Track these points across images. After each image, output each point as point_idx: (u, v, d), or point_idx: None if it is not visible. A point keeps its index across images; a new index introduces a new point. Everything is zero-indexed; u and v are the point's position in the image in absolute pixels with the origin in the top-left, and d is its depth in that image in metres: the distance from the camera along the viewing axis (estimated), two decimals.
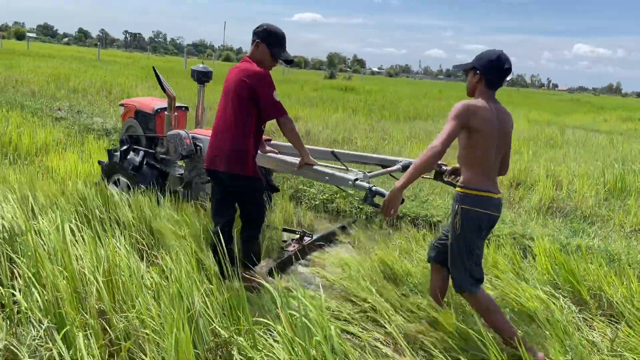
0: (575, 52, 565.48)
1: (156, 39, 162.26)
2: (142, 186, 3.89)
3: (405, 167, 3.36)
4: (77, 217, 3.31)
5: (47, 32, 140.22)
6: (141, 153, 4.01)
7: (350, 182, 2.91)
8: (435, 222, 4.81)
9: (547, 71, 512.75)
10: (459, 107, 2.45)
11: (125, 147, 4.11)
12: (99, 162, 4.45)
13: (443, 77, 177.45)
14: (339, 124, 10.21)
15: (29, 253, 2.57)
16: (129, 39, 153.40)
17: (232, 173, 3.01)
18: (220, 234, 2.93)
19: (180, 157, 3.84)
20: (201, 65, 4.18)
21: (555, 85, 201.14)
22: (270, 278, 2.95)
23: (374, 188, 2.70)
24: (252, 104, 2.94)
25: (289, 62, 3.27)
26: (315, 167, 3.11)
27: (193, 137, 3.88)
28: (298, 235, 4.10)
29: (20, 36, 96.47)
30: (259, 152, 3.20)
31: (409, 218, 4.92)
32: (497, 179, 2.65)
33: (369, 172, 3.16)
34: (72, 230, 2.83)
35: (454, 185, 2.82)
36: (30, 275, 2.39)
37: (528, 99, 33.94)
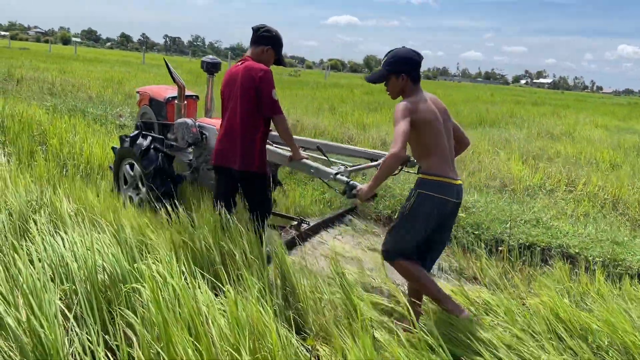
0: (620, 53, 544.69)
1: (195, 43, 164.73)
2: (150, 169, 3.95)
3: None
4: (186, 258, 2.72)
5: (90, 37, 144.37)
6: (149, 138, 4.07)
7: (331, 175, 3.04)
8: (574, 254, 4.06)
9: (589, 73, 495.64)
10: (402, 108, 2.57)
11: (134, 133, 4.15)
12: (113, 148, 4.53)
13: (482, 79, 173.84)
14: None
15: (147, 313, 2.00)
16: (168, 42, 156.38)
17: (243, 170, 3.16)
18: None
19: (187, 144, 4.03)
20: (210, 57, 4.37)
21: (600, 88, 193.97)
22: None
23: (351, 182, 2.85)
24: (258, 101, 3.10)
25: (284, 65, 3.44)
26: (303, 160, 3.25)
27: (199, 126, 4.05)
28: (296, 222, 4.26)
29: (66, 41, 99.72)
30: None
31: (538, 248, 4.18)
32: (455, 165, 2.72)
33: (352, 166, 3.28)
34: (189, 279, 2.26)
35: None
36: (153, 343, 1.82)
37: (581, 103, 32.30)
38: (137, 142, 4.08)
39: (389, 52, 2.81)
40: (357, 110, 12.90)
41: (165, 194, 3.90)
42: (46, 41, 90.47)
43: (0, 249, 2.84)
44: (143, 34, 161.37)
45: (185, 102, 4.33)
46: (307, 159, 3.28)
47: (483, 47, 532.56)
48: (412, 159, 3.16)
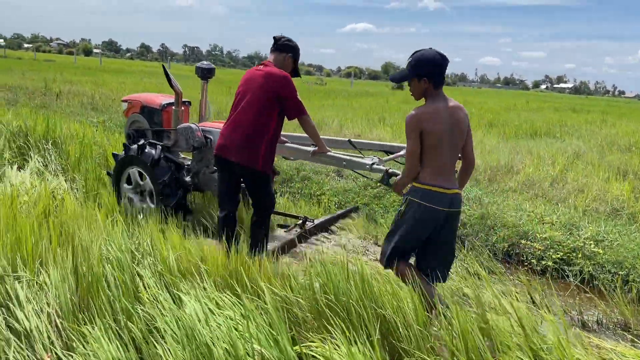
0: None
1: (213, 52, 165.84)
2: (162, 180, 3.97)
3: None
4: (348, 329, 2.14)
5: (111, 48, 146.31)
6: (158, 148, 4.10)
7: (367, 166, 3.23)
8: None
9: (609, 77, 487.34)
10: (412, 122, 2.61)
11: (142, 142, 4.14)
12: (114, 154, 4.51)
13: (501, 85, 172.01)
14: (476, 146, 8.82)
15: None
16: (187, 52, 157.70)
17: (243, 164, 3.24)
18: (226, 220, 3.38)
19: (192, 148, 4.07)
20: (205, 63, 4.44)
21: (622, 92, 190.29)
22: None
23: (390, 170, 2.99)
24: (276, 104, 3.22)
25: (298, 75, 3.50)
26: (332, 154, 3.46)
27: (203, 130, 4.10)
28: (300, 221, 4.31)
29: (87, 52, 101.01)
30: (278, 143, 3.44)
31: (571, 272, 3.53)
32: (454, 175, 2.73)
33: (384, 158, 3.50)
34: None
35: None
36: None
37: (616, 108, 31.15)
38: (146, 151, 4.09)
39: (415, 52, 2.74)
40: (402, 120, 12.27)
41: (177, 204, 4.00)
42: (69, 53, 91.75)
43: (114, 313, 2.32)
44: (162, 44, 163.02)
45: (182, 108, 4.36)
46: (331, 151, 3.49)
47: (500, 52, 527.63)
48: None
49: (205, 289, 2.61)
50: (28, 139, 6.01)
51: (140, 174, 4.17)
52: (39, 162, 5.53)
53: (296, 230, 4.20)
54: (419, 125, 2.59)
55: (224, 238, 3.29)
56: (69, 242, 2.95)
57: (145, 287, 2.56)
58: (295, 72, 3.47)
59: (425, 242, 2.76)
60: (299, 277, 2.81)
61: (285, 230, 4.27)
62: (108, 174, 4.59)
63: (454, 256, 2.92)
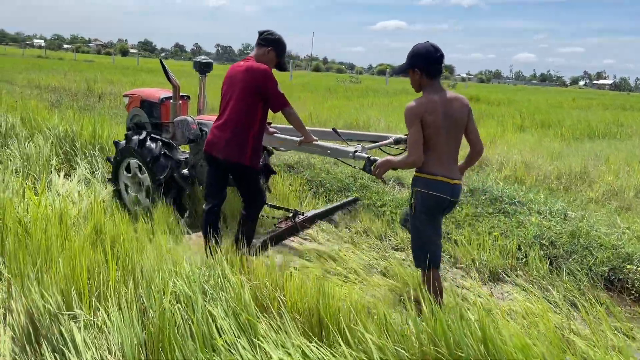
0: None
1: (245, 51, 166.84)
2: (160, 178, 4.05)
3: (396, 142, 3.67)
4: None
5: (146, 48, 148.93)
6: (159, 143, 4.15)
7: (350, 154, 3.28)
8: None
9: None
10: (410, 113, 2.67)
11: (144, 135, 4.18)
12: (115, 142, 4.54)
13: (537, 82, 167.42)
14: (535, 149, 8.20)
15: None
16: (220, 51, 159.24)
17: (231, 160, 3.27)
18: (209, 213, 3.40)
19: (187, 141, 4.16)
20: (202, 57, 4.52)
21: None
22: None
23: (371, 158, 3.07)
24: (258, 98, 3.26)
25: (285, 70, 3.60)
26: (317, 143, 3.49)
27: (199, 123, 4.23)
28: (291, 214, 4.33)
29: (124, 52, 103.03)
30: (265, 134, 3.52)
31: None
32: (456, 166, 2.80)
33: (366, 146, 3.45)
34: None
35: None
36: None
37: None
38: (133, 138, 4.17)
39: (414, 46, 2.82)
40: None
41: (169, 180, 4.06)
42: (107, 53, 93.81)
43: None
44: (196, 43, 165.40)
45: (180, 102, 4.41)
46: (317, 141, 3.51)
47: (536, 48, 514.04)
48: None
49: (287, 332, 2.21)
50: (75, 144, 5.77)
51: (140, 167, 4.28)
52: (86, 169, 5.27)
53: (286, 224, 4.22)
54: (418, 116, 2.65)
55: (208, 232, 3.36)
56: (128, 270, 2.59)
57: (219, 331, 2.17)
58: (280, 66, 3.49)
59: None
60: (394, 317, 2.38)
61: (276, 224, 4.28)
62: (108, 159, 4.75)
63: None
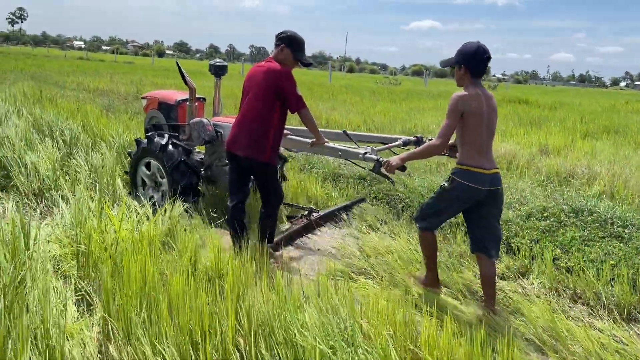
0: None
1: None
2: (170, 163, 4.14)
3: (405, 143, 3.86)
4: None
5: (182, 49, 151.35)
6: (166, 136, 4.27)
7: (360, 155, 3.40)
8: None
9: None
10: (455, 101, 2.84)
11: (166, 140, 4.24)
12: (136, 140, 4.58)
13: (575, 82, 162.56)
14: (616, 159, 7.56)
15: None
16: (254, 52, 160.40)
17: (251, 158, 3.39)
18: (234, 209, 3.52)
19: (203, 142, 4.24)
20: (218, 60, 4.59)
21: None
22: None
23: (381, 159, 3.18)
24: (277, 98, 3.36)
25: (308, 64, 3.59)
26: (329, 144, 3.64)
27: (214, 124, 4.30)
28: (306, 212, 4.34)
29: (161, 53, 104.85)
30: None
31: None
32: (492, 155, 2.97)
33: (375, 147, 3.60)
34: None
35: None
36: None
37: None
38: (155, 140, 4.26)
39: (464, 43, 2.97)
40: (503, 125, 11.05)
41: (187, 187, 4.12)
42: (144, 54, 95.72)
43: None
44: (230, 44, 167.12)
45: (196, 104, 4.45)
46: (328, 143, 3.63)
47: (574, 48, 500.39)
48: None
49: None
50: None
51: (159, 169, 4.37)
52: None
53: (302, 221, 4.26)
54: (462, 106, 2.82)
55: (235, 227, 3.47)
56: (245, 317, 2.24)
57: None
58: (301, 62, 3.51)
59: (472, 220, 3.08)
60: None
61: (292, 221, 4.35)
62: (129, 154, 4.77)
63: (501, 232, 3.17)
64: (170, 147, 4.19)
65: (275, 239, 3.72)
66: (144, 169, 4.47)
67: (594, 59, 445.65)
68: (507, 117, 13.37)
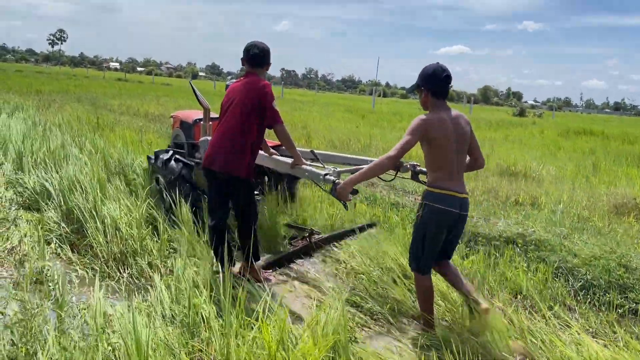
0: None
1: (309, 75, 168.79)
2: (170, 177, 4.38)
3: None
4: None
5: (214, 71, 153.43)
6: (170, 152, 4.57)
7: (321, 176, 3.23)
8: None
9: None
10: (416, 123, 2.78)
11: (169, 155, 4.52)
12: (148, 157, 4.96)
13: (610, 110, 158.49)
14: None
15: None
16: (284, 75, 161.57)
17: (229, 174, 3.34)
18: (215, 229, 3.43)
19: None
20: (233, 81, 4.33)
21: None
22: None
23: (337, 181, 3.03)
24: (255, 113, 3.31)
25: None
26: (303, 166, 3.49)
27: None
28: (307, 233, 4.21)
29: (194, 75, 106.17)
30: (262, 153, 3.73)
31: None
32: (463, 180, 2.91)
33: (342, 169, 3.48)
34: None
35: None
36: None
37: None
38: (160, 156, 4.53)
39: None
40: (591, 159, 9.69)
41: (186, 200, 4.09)
42: (177, 76, 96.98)
43: None
44: None
45: (210, 123, 4.40)
46: (306, 164, 3.56)
47: (606, 75, 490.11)
48: (406, 164, 3.59)
49: None
50: None
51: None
52: None
53: (300, 243, 4.15)
54: (424, 131, 2.76)
55: (217, 249, 3.36)
56: None
57: None
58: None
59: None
60: None
61: (292, 242, 4.25)
62: (149, 158, 4.92)
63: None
64: (172, 162, 4.40)
65: (267, 260, 3.72)
66: (154, 184, 4.62)
67: (626, 87, 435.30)
68: (591, 153, 12.03)
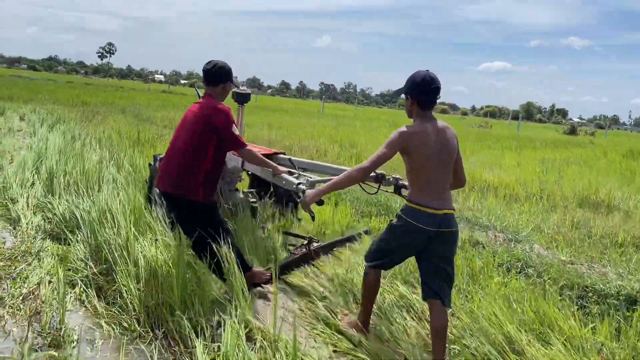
0: None
1: (347, 90, 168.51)
2: None
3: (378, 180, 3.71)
4: None
5: (254, 85, 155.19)
6: None
7: (294, 185, 3.31)
8: None
9: None
10: (394, 136, 2.62)
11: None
12: (149, 164, 4.99)
13: None
14: None
15: None
16: (323, 89, 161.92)
17: (179, 196, 3.22)
18: (196, 245, 3.26)
19: None
20: (241, 88, 4.63)
21: None
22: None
23: (308, 191, 2.97)
24: (211, 134, 3.20)
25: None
26: (281, 175, 3.57)
27: None
28: (306, 241, 4.12)
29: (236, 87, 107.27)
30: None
31: None
32: (446, 195, 2.69)
33: (317, 178, 3.51)
34: None
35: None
36: None
37: None
38: (158, 159, 4.46)
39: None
40: None
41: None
42: None
43: None
44: (301, 81, 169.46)
45: None
46: (284, 173, 3.59)
47: None
48: (389, 177, 3.53)
49: None
50: None
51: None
52: None
53: (300, 251, 4.03)
54: (404, 142, 2.61)
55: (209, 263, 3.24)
56: None
57: None
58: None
59: (422, 262, 2.77)
60: None
61: (292, 250, 4.15)
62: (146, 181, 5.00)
63: (454, 278, 2.80)
64: None
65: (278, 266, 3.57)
66: (155, 189, 4.38)
67: None
68: None
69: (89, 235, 3.81)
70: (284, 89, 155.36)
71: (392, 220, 2.80)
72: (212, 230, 3.19)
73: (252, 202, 4.84)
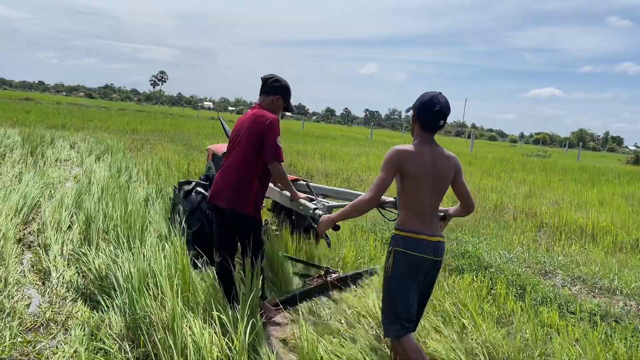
0: None
1: (392, 116, 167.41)
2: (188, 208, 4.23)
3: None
4: None
5: (300, 111, 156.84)
6: (192, 184, 4.45)
7: (311, 210, 3.28)
8: None
9: None
10: (388, 156, 2.50)
11: (192, 186, 4.39)
12: (174, 187, 4.82)
13: None
14: None
15: None
16: (368, 116, 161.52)
17: (234, 210, 3.17)
18: (221, 266, 3.23)
19: None
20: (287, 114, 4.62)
21: None
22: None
23: (323, 217, 2.91)
24: (260, 147, 3.17)
25: (291, 111, 3.54)
26: (299, 200, 3.51)
27: None
28: (323, 272, 3.98)
29: (282, 115, 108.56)
30: (270, 185, 3.70)
31: None
32: (436, 221, 2.59)
33: (334, 204, 3.49)
34: None
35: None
36: None
37: None
38: (183, 187, 4.43)
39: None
40: None
41: (199, 233, 4.03)
42: None
43: None
44: (345, 108, 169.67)
45: None
46: (301, 198, 3.53)
47: None
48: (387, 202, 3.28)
49: None
50: None
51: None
52: None
53: (316, 282, 3.90)
54: (399, 162, 2.48)
55: (225, 286, 3.21)
56: None
57: None
58: (287, 109, 3.44)
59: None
60: None
61: (307, 280, 3.99)
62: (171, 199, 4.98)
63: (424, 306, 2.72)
64: (193, 193, 4.28)
65: (279, 299, 3.40)
66: (176, 215, 4.52)
67: None
68: None
69: (126, 302, 3.05)
70: (329, 115, 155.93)
71: (386, 267, 2.53)
72: (252, 248, 3.10)
73: (274, 229, 4.85)
